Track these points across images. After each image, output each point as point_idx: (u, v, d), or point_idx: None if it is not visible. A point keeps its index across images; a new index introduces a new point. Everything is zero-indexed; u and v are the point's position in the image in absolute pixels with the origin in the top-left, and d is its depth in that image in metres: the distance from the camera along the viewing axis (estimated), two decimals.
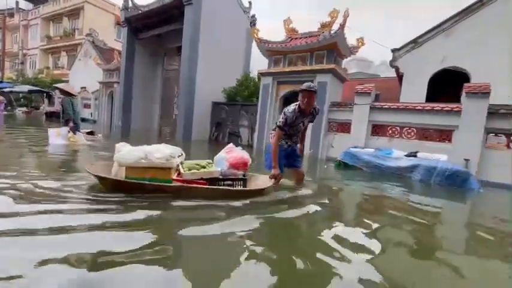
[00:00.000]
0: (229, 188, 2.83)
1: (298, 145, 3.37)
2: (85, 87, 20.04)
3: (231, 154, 3.08)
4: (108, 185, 2.63)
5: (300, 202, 3.02)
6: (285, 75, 9.33)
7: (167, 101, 14.58)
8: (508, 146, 5.98)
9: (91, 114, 19.54)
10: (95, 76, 18.35)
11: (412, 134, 7.11)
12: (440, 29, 8.32)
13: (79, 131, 6.67)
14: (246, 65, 13.71)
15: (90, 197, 2.48)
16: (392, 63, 9.30)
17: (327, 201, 3.24)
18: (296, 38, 9.46)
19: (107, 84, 17.60)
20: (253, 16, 13.63)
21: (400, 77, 9.60)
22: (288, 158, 3.23)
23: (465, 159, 6.15)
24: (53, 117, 16.76)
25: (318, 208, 2.83)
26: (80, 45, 22.71)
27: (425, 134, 6.95)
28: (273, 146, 2.97)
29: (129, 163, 2.56)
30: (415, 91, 8.62)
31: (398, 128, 7.33)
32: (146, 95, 15.21)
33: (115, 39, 25.59)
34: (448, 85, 8.68)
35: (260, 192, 2.87)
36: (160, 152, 2.62)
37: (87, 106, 20.10)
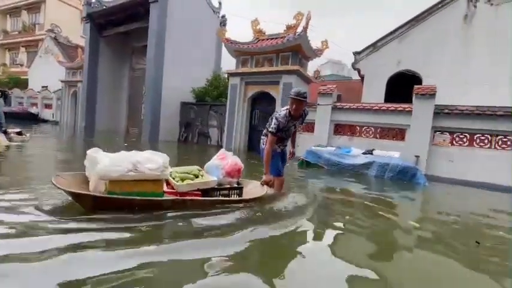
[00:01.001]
0: (227, 198, 2.62)
1: (289, 148, 3.30)
2: (46, 87, 18.79)
3: (226, 161, 2.84)
4: (88, 203, 2.12)
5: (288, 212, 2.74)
6: (253, 76, 9.41)
7: (135, 101, 14.09)
8: (451, 143, 6.51)
9: (53, 115, 18.34)
10: (57, 74, 17.26)
11: (371, 132, 7.49)
12: (396, 34, 8.86)
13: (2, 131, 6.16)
14: (217, 64, 13.65)
15: (54, 218, 1.99)
16: (354, 66, 9.74)
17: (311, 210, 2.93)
18: (263, 39, 9.56)
19: (70, 83, 16.63)
20: (224, 16, 13.61)
21: (362, 78, 10.08)
22: (282, 162, 3.17)
23: (416, 156, 6.60)
24: None
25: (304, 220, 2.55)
26: (41, 41, 21.24)
27: (382, 132, 7.35)
28: (266, 151, 2.89)
29: (115, 176, 2.08)
30: (374, 92, 9.09)
31: (358, 127, 7.68)
32: (113, 94, 14.59)
33: (81, 36, 24.23)
34: (404, 87, 9.25)
35: (256, 200, 2.71)
36: (153, 162, 2.21)
37: (48, 106, 18.83)
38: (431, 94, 6.55)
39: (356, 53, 9.55)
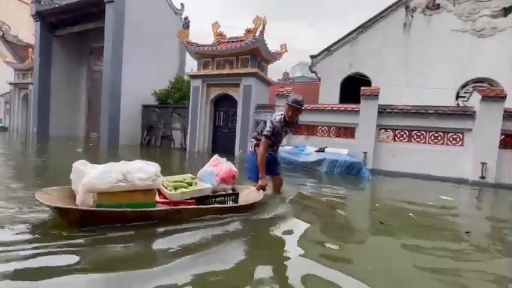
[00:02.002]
0: (223, 205, 2.52)
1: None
2: None
3: (220, 167, 2.77)
4: (75, 218, 1.97)
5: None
6: (214, 78, 9.51)
7: (95, 104, 13.43)
8: (394, 140, 7.16)
9: (1, 120, 16.81)
10: (5, 76, 15.86)
11: (325, 131, 7.96)
12: (347, 39, 9.52)
13: None
14: (180, 66, 13.51)
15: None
16: (311, 69, 10.26)
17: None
18: (224, 42, 9.71)
19: (20, 86, 15.40)
20: (186, 18, 13.52)
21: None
22: (269, 166, 3.10)
23: (364, 152, 7.16)
24: None
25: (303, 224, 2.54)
26: None
27: (335, 131, 7.85)
28: (260, 156, 2.87)
29: (104, 188, 1.98)
30: (330, 93, 9.66)
31: (314, 126, 8.12)
32: (69, 97, 13.77)
33: (33, 34, 22.47)
34: (357, 88, 9.94)
35: (252, 206, 2.64)
36: (143, 171, 2.11)
37: None
38: (375, 95, 7.16)
39: (313, 57, 10.08)
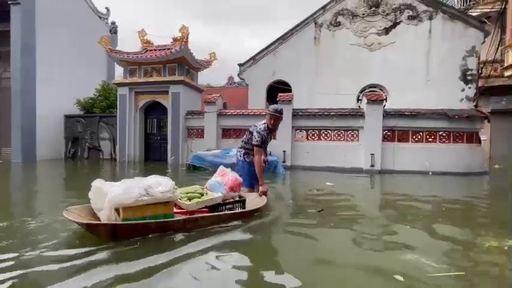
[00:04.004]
0: (232, 212, 2.78)
1: (263, 157, 3.42)
2: None
3: (227, 177, 3.03)
4: (106, 233, 2.17)
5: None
6: (142, 86, 9.45)
7: (7, 116, 11.90)
8: (307, 139, 8.20)
9: None
10: None
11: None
12: (270, 49, 10.47)
13: None
14: (109, 73, 12.91)
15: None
16: (239, 76, 10.95)
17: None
18: (151, 50, 9.72)
19: None
20: (114, 23, 13.01)
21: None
22: (254, 174, 3.33)
23: (283, 151, 8.03)
24: None
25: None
26: None
27: None
28: (258, 164, 3.16)
29: (129, 202, 2.17)
30: (257, 99, 10.47)
31: (241, 130, 8.73)
32: None
33: None
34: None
35: (258, 210, 2.93)
36: (163, 185, 2.31)
37: None
38: (289, 100, 8.12)
39: (240, 65, 10.78)
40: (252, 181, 3.37)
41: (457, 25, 8.89)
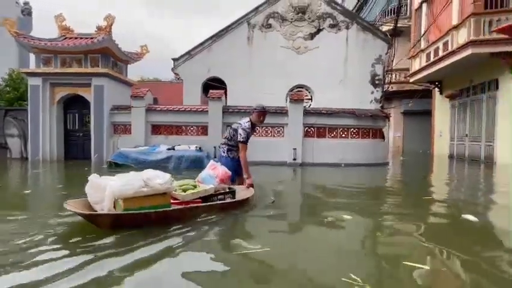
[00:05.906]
0: (224, 201, 3.03)
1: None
2: None
3: (217, 171, 3.25)
4: (107, 223, 2.30)
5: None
6: (59, 77, 8.56)
7: None
8: None
9: None
10: None
11: (181, 130, 8.59)
12: (205, 45, 10.48)
13: None
14: (22, 61, 11.28)
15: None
16: (173, 71, 10.72)
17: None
18: (71, 38, 8.85)
19: None
20: (27, 3, 11.39)
21: None
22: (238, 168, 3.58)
23: (214, 147, 8.15)
24: None
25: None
26: None
27: (190, 129, 8.59)
28: (243, 159, 3.42)
29: (130, 193, 2.32)
30: (192, 95, 10.40)
31: (171, 126, 8.61)
32: None
33: None
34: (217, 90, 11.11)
35: (246, 201, 3.21)
36: (161, 177, 2.47)
37: None
38: (218, 97, 8.31)
39: (175, 59, 10.55)
40: (234, 176, 3.54)
41: (368, 36, 10.21)
